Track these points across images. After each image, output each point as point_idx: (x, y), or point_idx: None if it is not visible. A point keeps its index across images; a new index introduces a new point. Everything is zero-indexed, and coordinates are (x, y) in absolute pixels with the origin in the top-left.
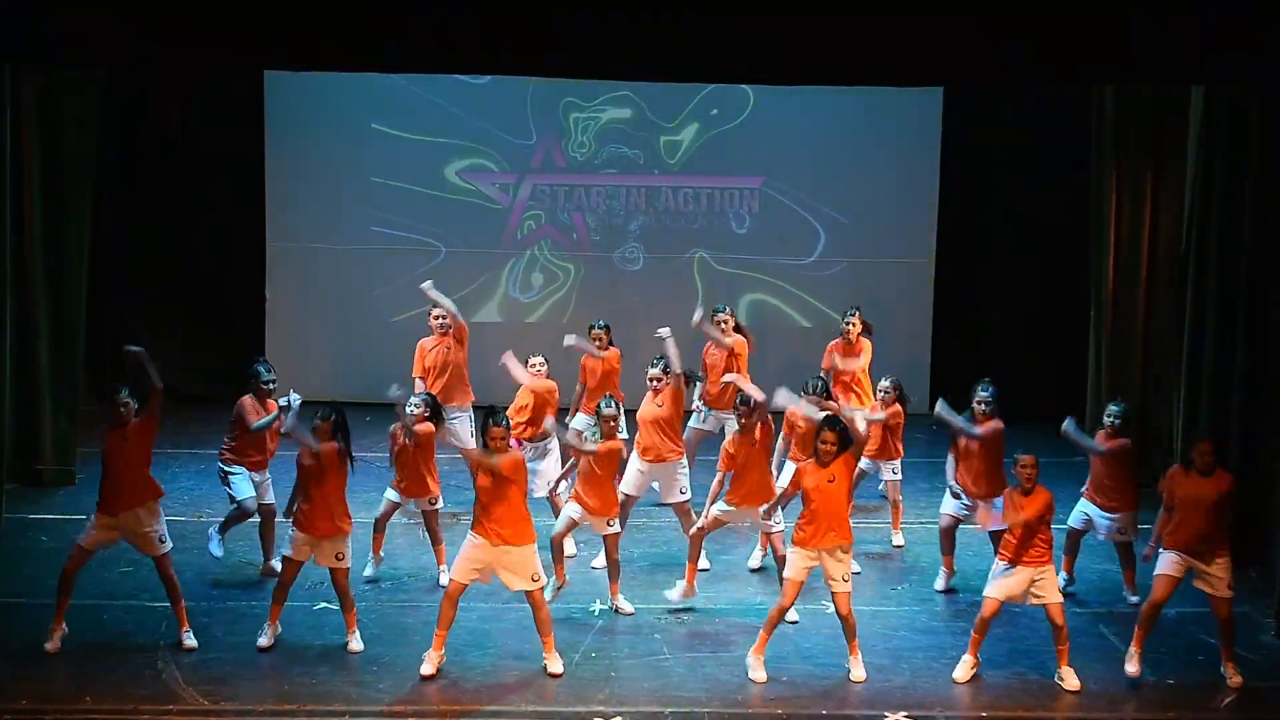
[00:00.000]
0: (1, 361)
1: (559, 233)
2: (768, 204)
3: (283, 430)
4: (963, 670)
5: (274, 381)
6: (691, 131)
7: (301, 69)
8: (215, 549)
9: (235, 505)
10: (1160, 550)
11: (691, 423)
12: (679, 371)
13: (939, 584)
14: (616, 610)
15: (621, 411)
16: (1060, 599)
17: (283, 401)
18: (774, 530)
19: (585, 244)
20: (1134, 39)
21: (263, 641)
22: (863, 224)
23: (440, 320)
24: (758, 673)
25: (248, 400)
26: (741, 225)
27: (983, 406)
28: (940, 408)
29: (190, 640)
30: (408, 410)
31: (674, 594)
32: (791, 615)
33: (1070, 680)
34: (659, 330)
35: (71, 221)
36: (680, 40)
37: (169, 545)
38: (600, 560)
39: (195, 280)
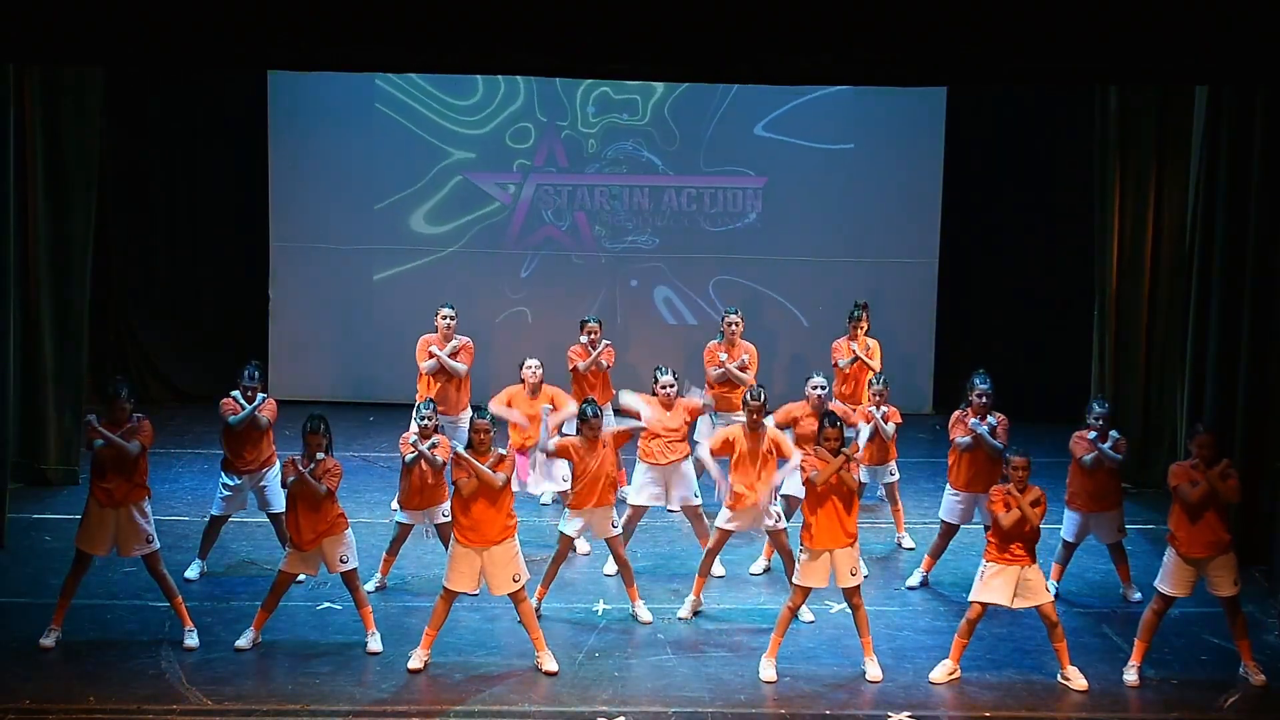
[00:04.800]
0: (5, 361)
1: (561, 232)
2: (771, 204)
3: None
4: (940, 672)
5: (255, 386)
6: (694, 131)
7: (302, 69)
8: (190, 572)
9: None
10: (1171, 556)
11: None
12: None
13: (913, 581)
14: (635, 618)
15: (602, 414)
16: (1050, 598)
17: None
18: (778, 528)
19: (588, 243)
20: (1135, 39)
21: (241, 643)
22: (867, 224)
23: (448, 320)
24: (768, 672)
25: (227, 400)
26: (745, 225)
27: (983, 400)
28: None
29: (192, 640)
30: (419, 422)
31: (683, 611)
32: (806, 615)
33: (1077, 680)
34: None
35: (75, 222)
36: (681, 40)
37: (156, 544)
38: (611, 567)
39: (198, 279)
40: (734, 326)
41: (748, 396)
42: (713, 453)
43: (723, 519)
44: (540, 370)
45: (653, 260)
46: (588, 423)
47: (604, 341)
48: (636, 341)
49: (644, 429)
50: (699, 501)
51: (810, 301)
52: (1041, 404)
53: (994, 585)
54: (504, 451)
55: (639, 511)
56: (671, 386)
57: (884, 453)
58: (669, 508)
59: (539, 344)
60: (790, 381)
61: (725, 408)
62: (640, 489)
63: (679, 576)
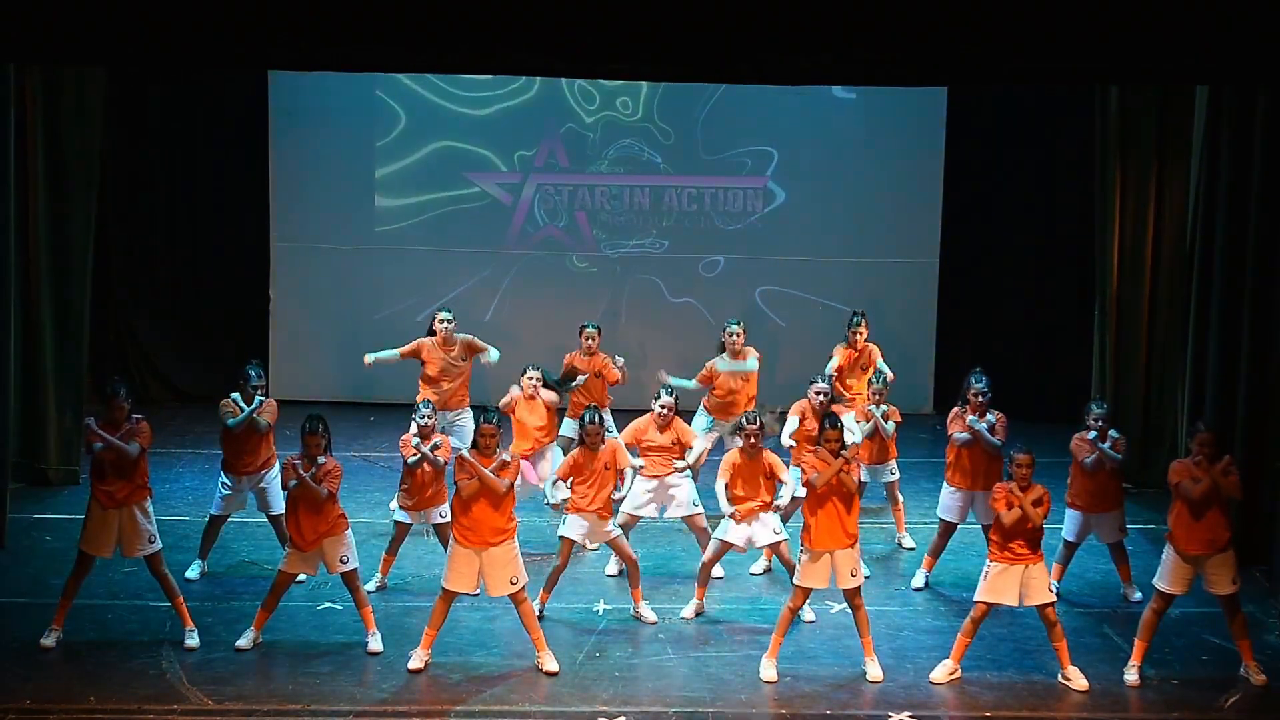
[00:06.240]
0: (6, 361)
1: (562, 233)
2: (770, 205)
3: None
4: (941, 672)
5: (262, 386)
6: (695, 131)
7: (302, 69)
8: (190, 572)
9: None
10: (1170, 554)
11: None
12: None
13: (917, 582)
14: (640, 618)
15: (603, 421)
16: (1053, 598)
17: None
18: (778, 540)
19: (589, 244)
20: (1135, 39)
21: (242, 643)
22: (868, 224)
23: (445, 325)
24: (768, 672)
25: (227, 401)
26: (745, 225)
27: (980, 399)
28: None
29: (192, 640)
30: (418, 421)
31: (686, 611)
32: (808, 615)
33: (1078, 680)
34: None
35: (75, 222)
36: (681, 40)
37: (158, 544)
38: (613, 567)
39: (199, 279)
40: (735, 338)
41: (742, 421)
42: (724, 484)
43: (723, 531)
44: (539, 380)
45: (653, 261)
46: (586, 429)
47: (610, 357)
48: (637, 344)
49: (641, 468)
50: (700, 510)
51: (813, 302)
52: (1041, 404)
53: (998, 585)
54: (508, 457)
55: (632, 520)
56: (669, 408)
57: (884, 452)
58: (668, 517)
59: (539, 345)
60: (792, 384)
61: (724, 415)
62: (634, 498)
63: (679, 577)
